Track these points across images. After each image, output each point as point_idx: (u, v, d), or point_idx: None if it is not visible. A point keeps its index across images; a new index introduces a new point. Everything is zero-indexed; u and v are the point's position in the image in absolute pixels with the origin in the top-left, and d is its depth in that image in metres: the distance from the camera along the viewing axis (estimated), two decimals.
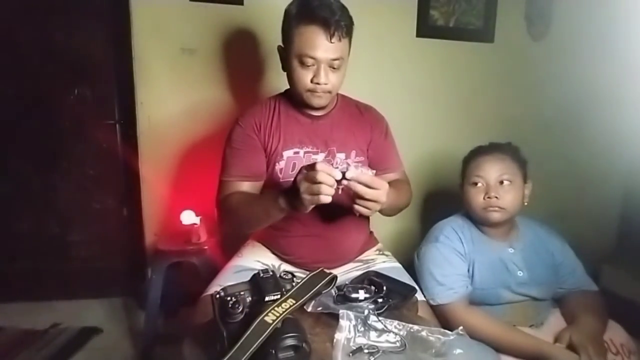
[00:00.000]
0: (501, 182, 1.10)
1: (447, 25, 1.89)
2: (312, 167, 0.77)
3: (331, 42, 0.95)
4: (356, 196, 0.83)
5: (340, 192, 0.81)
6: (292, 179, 0.83)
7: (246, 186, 1.05)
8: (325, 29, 0.94)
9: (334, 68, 0.99)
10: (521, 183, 1.12)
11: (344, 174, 0.79)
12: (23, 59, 1.76)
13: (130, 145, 1.77)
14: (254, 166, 1.07)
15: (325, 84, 0.99)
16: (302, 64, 0.98)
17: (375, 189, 0.82)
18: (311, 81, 0.99)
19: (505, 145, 1.16)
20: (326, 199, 0.77)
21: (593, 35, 1.94)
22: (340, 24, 0.95)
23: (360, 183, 0.81)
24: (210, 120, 1.74)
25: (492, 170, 1.10)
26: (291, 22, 0.98)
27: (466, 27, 1.90)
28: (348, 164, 0.83)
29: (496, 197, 1.08)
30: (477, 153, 1.16)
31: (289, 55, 1.01)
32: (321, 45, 0.95)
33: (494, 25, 1.92)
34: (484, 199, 1.10)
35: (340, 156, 1.09)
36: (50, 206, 1.87)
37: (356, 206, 0.85)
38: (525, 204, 1.14)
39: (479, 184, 1.12)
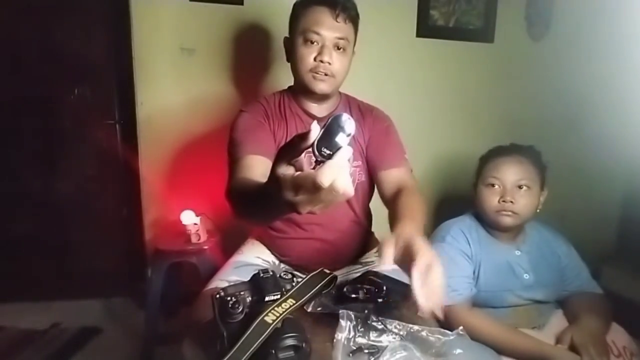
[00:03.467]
0: (519, 187, 1.07)
1: (447, 25, 1.89)
2: (315, 189, 0.43)
3: (337, 22, 0.96)
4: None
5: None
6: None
7: (258, 161, 0.92)
8: (332, 9, 0.96)
9: (338, 48, 0.98)
10: (538, 190, 1.09)
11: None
12: (23, 59, 1.75)
13: (130, 145, 1.77)
14: (265, 141, 0.99)
15: (329, 63, 0.97)
16: (307, 40, 0.97)
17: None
18: (314, 59, 0.98)
19: (526, 148, 1.12)
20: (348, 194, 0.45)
21: (593, 36, 1.94)
22: (346, 6, 0.97)
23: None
24: (210, 120, 1.74)
25: (511, 173, 1.07)
26: (298, 10, 1.00)
27: (466, 27, 1.90)
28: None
29: (512, 202, 1.05)
30: (497, 153, 1.12)
31: (294, 38, 1.01)
32: (327, 23, 0.96)
33: (494, 25, 1.92)
34: (498, 201, 1.07)
35: None
36: (50, 206, 1.87)
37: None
38: (538, 211, 1.11)
39: (496, 186, 1.09)
